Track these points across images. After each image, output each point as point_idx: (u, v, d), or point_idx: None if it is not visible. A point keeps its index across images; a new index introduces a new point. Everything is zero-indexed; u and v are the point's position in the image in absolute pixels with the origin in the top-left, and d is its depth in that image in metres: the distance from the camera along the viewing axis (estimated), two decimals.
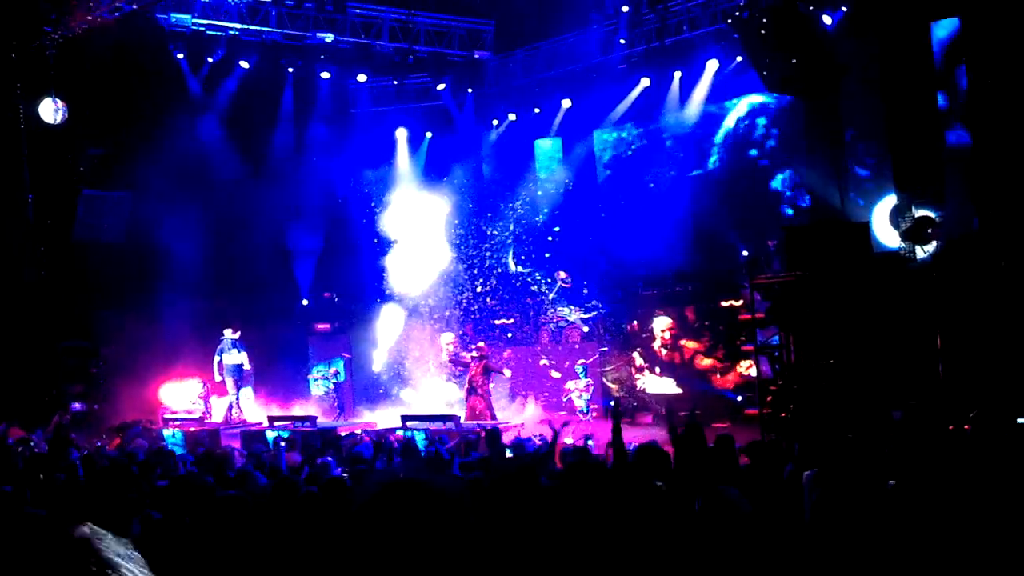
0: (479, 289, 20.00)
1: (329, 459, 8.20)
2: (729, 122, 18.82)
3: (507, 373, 17.46)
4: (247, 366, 17.89)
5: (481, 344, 16.72)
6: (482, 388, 15.92)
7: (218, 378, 17.74)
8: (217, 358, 17.67)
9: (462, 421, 14.70)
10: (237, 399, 17.60)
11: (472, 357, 16.22)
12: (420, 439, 12.80)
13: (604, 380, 18.46)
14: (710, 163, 19.12)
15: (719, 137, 18.98)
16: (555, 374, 18.36)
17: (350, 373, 20.09)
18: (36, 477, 7.99)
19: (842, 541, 3.75)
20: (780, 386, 12.92)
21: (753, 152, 18.54)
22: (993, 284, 11.85)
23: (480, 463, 7.95)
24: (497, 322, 19.92)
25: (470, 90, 21.06)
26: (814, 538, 4.07)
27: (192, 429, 16.15)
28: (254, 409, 18.00)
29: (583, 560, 3.66)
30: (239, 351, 17.74)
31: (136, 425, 14.85)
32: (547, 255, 20.35)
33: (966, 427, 7.39)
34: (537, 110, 20.93)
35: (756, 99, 18.26)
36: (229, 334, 17.71)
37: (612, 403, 7.34)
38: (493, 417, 15.67)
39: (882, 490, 4.80)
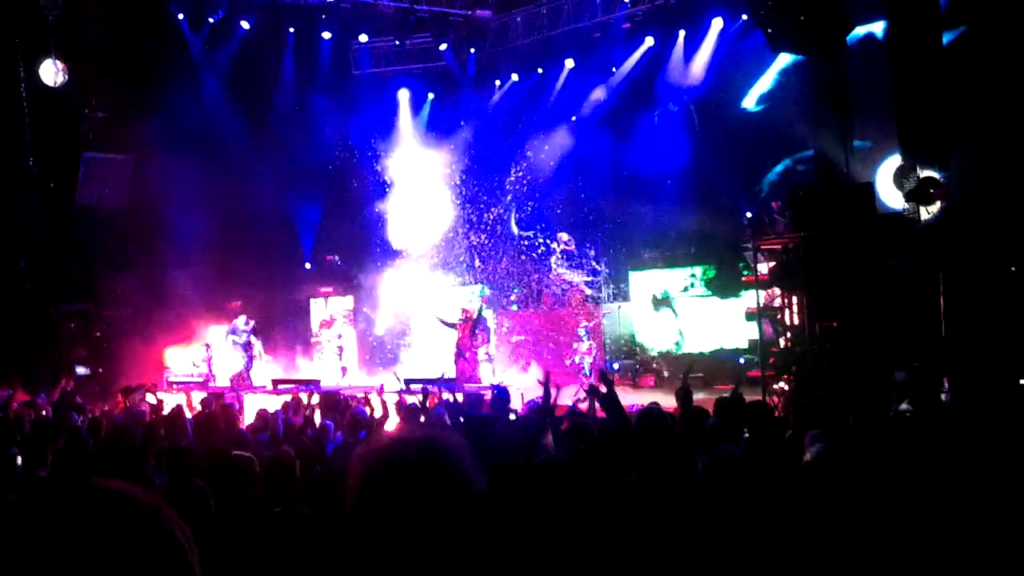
0: (477, 249, 19.92)
1: (328, 423, 8.23)
2: (734, 81, 18.69)
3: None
4: (262, 357, 17.71)
5: (466, 308, 16.61)
6: (469, 351, 15.92)
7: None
8: (229, 338, 17.56)
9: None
10: (246, 367, 17.46)
11: (458, 321, 16.13)
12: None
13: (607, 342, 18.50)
14: (713, 123, 19.00)
15: (724, 96, 18.85)
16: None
17: (354, 336, 20.14)
18: (43, 442, 8.03)
19: (835, 503, 3.77)
20: (782, 348, 12.94)
21: (757, 111, 18.42)
22: (997, 245, 11.80)
23: (483, 422, 7.95)
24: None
25: (472, 50, 20.89)
26: (808, 498, 4.09)
27: (196, 392, 16.20)
28: (262, 372, 18.00)
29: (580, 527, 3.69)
30: (252, 338, 17.51)
31: (140, 388, 14.89)
32: (549, 218, 20.28)
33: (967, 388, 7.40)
34: (540, 70, 20.77)
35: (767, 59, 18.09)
36: (242, 323, 17.53)
37: (605, 369, 7.32)
38: (479, 380, 15.66)
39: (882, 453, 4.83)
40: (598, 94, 20.36)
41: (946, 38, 13.26)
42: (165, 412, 10.33)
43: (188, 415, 9.78)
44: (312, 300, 20.83)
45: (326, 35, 19.94)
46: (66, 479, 1.34)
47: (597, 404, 7.32)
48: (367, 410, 8.22)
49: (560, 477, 3.75)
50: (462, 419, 7.89)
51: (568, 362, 17.37)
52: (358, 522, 1.81)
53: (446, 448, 1.86)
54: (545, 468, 3.83)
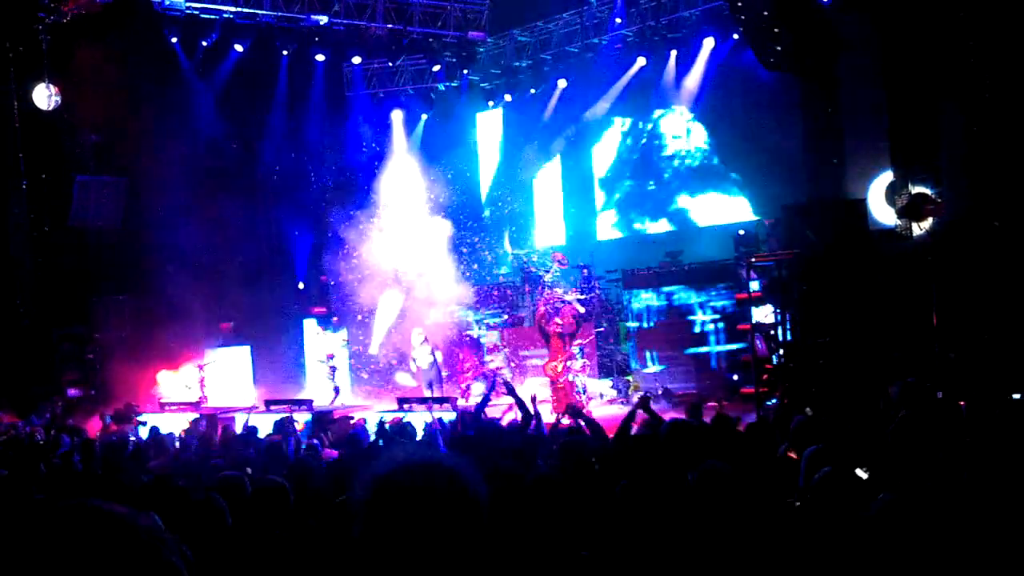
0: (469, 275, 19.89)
1: (315, 442, 8.19)
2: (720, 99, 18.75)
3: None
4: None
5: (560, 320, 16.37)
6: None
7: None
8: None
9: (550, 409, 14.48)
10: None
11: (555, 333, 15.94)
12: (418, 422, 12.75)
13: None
14: (705, 141, 19.07)
15: (713, 113, 18.93)
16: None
17: (347, 356, 20.08)
18: (34, 464, 7.98)
19: (841, 521, 3.75)
20: (776, 364, 12.93)
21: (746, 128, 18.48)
22: (989, 260, 11.83)
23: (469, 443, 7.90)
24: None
25: (465, 71, 20.97)
26: (812, 516, 4.07)
27: (189, 413, 16.10)
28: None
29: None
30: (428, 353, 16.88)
31: (132, 409, 14.82)
32: (543, 236, 20.29)
33: (960, 403, 7.39)
34: (532, 91, 20.85)
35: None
36: (417, 334, 16.99)
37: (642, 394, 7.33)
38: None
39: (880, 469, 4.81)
40: (593, 112, 20.44)
41: None
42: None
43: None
44: (305, 320, 20.76)
45: (319, 57, 19.99)
46: (64, 502, 1.31)
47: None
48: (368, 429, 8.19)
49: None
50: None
51: (561, 381, 17.27)
52: (368, 549, 1.78)
53: (455, 472, 1.84)
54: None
